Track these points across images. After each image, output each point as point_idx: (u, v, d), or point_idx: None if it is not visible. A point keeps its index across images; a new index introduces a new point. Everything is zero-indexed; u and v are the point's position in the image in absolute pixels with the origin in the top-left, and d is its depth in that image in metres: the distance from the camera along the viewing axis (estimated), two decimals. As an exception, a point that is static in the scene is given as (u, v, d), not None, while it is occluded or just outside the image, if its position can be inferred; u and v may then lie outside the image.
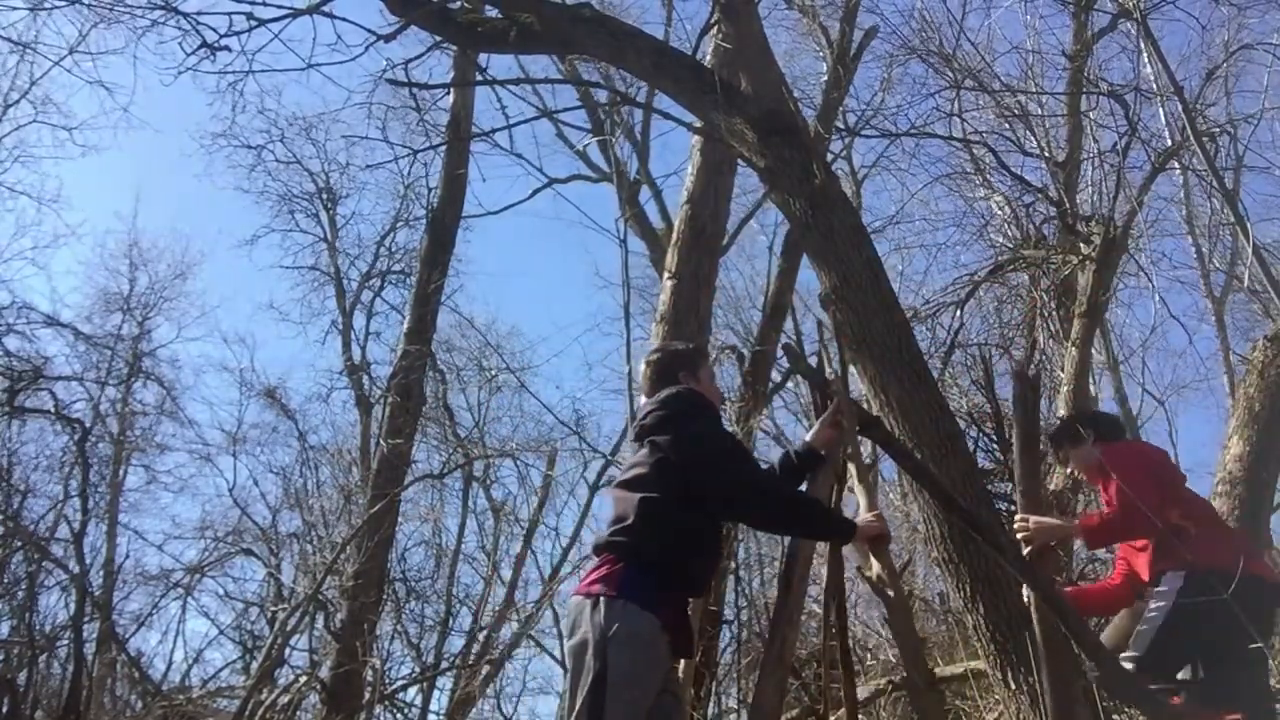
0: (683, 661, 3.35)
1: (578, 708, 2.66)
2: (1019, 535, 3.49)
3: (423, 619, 15.29)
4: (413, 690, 13.84)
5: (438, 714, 13.98)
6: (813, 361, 3.78)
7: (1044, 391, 9.25)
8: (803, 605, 3.40)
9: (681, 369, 3.28)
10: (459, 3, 6.40)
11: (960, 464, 4.33)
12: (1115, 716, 5.55)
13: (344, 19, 5.95)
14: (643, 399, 3.31)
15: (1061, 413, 7.52)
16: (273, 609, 13.38)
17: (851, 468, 3.36)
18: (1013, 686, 4.41)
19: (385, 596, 12.30)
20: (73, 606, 11.64)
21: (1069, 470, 3.96)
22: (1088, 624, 3.30)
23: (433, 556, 16.19)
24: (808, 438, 3.40)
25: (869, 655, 8.52)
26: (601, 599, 2.74)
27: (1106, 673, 3.26)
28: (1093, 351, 9.53)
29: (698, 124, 6.10)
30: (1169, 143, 8.79)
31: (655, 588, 2.78)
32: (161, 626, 19.73)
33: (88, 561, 12.19)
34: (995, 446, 6.67)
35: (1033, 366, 7.78)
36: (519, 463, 16.31)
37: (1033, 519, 3.57)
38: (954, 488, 3.88)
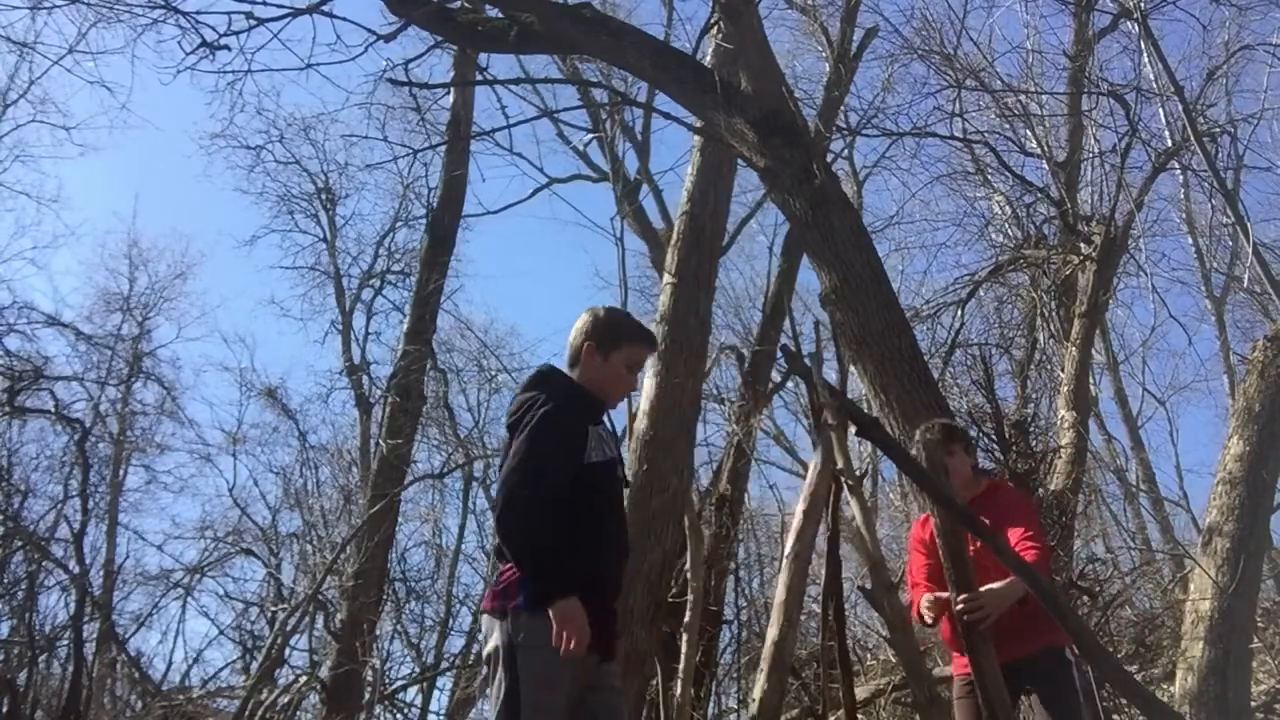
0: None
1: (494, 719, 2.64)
2: (972, 618, 3.21)
3: (423, 619, 15.31)
4: (413, 690, 13.87)
5: (438, 714, 14.00)
6: (808, 363, 3.71)
7: (1044, 392, 9.27)
8: (801, 605, 3.39)
9: (590, 340, 2.94)
10: (459, 3, 6.41)
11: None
12: (1115, 716, 5.55)
13: (344, 19, 5.95)
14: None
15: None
16: (273, 609, 13.37)
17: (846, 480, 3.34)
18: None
19: (385, 596, 12.31)
20: (73, 606, 11.65)
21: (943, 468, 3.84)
22: (1087, 624, 3.28)
23: (433, 556, 16.21)
24: None
25: (868, 655, 8.52)
26: (507, 611, 2.68)
27: (1106, 671, 3.26)
28: (1093, 351, 9.53)
29: (698, 124, 6.10)
30: (1169, 143, 8.79)
31: None
32: (161, 626, 19.82)
33: (88, 561, 12.20)
34: (995, 446, 6.66)
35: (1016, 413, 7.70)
36: (518, 463, 16.27)
37: (982, 591, 3.31)
38: (953, 488, 3.87)
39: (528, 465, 2.68)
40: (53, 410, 12.31)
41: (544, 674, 2.61)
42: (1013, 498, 3.93)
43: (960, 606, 3.21)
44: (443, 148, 12.26)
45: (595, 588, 2.73)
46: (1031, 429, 7.47)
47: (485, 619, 2.78)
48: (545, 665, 2.60)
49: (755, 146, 5.02)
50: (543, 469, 2.68)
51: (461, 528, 16.40)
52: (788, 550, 3.57)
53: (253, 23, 5.90)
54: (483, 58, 8.16)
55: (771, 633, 3.48)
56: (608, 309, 3.06)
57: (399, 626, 14.15)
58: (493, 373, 16.62)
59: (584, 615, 2.60)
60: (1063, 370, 8.29)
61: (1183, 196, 13.87)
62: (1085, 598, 6.10)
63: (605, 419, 3.03)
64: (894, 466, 6.83)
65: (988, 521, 3.64)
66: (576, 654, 2.57)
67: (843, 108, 10.02)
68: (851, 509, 3.35)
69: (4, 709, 10.00)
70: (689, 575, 5.82)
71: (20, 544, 11.48)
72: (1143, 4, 6.61)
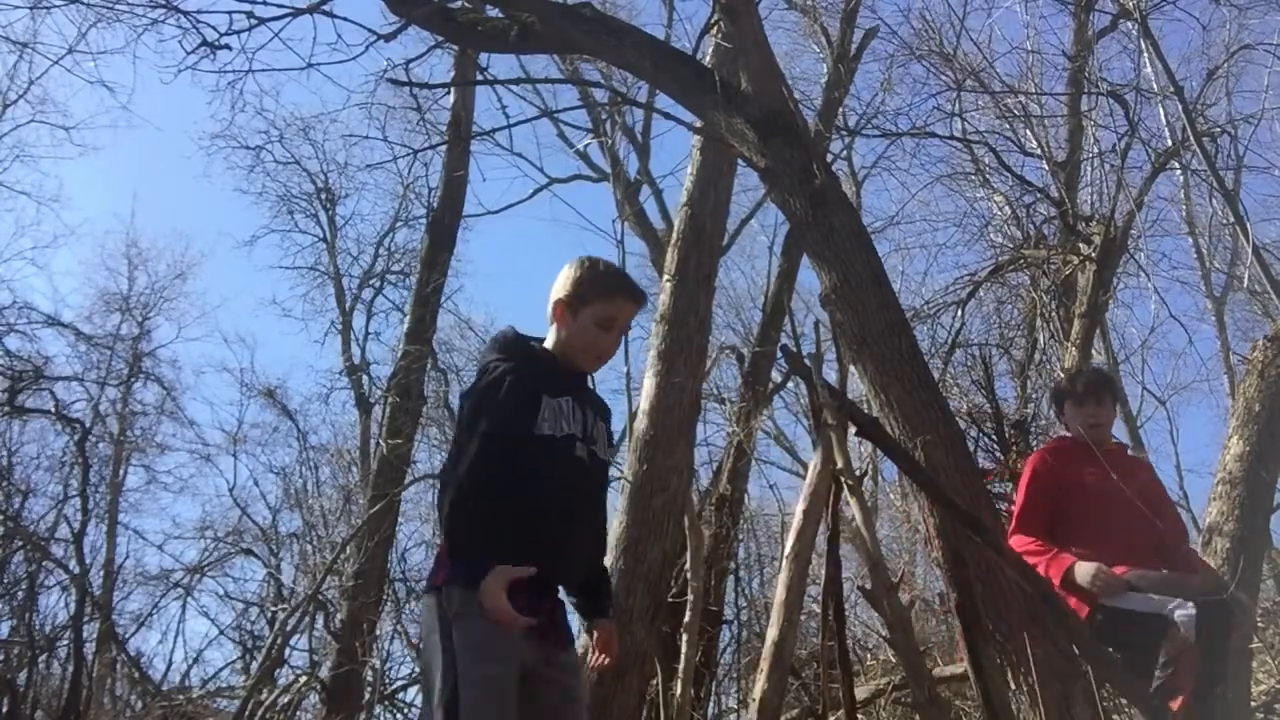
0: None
1: (434, 701, 2.32)
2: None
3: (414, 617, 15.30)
4: (413, 690, 13.86)
5: (438, 714, 13.97)
6: (808, 363, 3.70)
7: (1044, 391, 9.26)
8: (801, 605, 3.39)
9: (560, 298, 2.66)
10: (459, 2, 6.40)
11: (960, 464, 4.33)
12: (1115, 717, 5.55)
13: (344, 18, 5.96)
14: None
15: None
16: (273, 609, 13.38)
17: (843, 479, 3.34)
18: (1013, 687, 4.42)
19: (385, 597, 12.31)
20: (73, 606, 11.65)
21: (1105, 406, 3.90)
22: (1085, 626, 3.28)
23: (433, 557, 16.19)
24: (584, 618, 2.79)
25: (868, 655, 8.52)
26: (439, 590, 2.42)
27: (1105, 672, 3.26)
28: (1093, 351, 9.53)
29: (698, 124, 6.10)
30: (1169, 143, 8.79)
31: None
32: (161, 626, 19.82)
33: (88, 561, 12.21)
34: (995, 446, 6.66)
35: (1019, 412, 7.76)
36: (518, 463, 16.31)
37: None
38: (953, 488, 3.87)
39: (460, 442, 2.48)
40: (53, 410, 12.32)
41: (480, 643, 2.32)
42: (1150, 468, 4.10)
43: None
44: (443, 148, 12.26)
45: (537, 572, 2.42)
46: (1031, 429, 7.48)
47: (422, 604, 2.58)
48: (481, 634, 2.33)
49: (755, 147, 5.02)
50: (473, 446, 2.42)
51: (461, 528, 16.38)
52: (788, 550, 3.57)
53: (253, 22, 5.90)
54: (483, 58, 8.16)
55: (771, 633, 3.48)
56: (587, 260, 2.72)
57: (399, 626, 14.14)
58: (492, 373, 16.60)
59: (502, 592, 2.30)
60: (1063, 370, 8.28)
61: (1183, 196, 13.87)
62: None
63: (588, 390, 2.72)
64: (894, 466, 6.84)
65: (1136, 485, 3.69)
66: (507, 631, 2.32)
67: (842, 108, 10.03)
68: (851, 509, 3.35)
69: (4, 709, 10.00)
70: (689, 575, 5.82)
71: (20, 544, 11.48)
72: (1142, 4, 6.61)
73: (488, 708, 2.27)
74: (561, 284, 2.67)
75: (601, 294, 2.63)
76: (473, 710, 2.25)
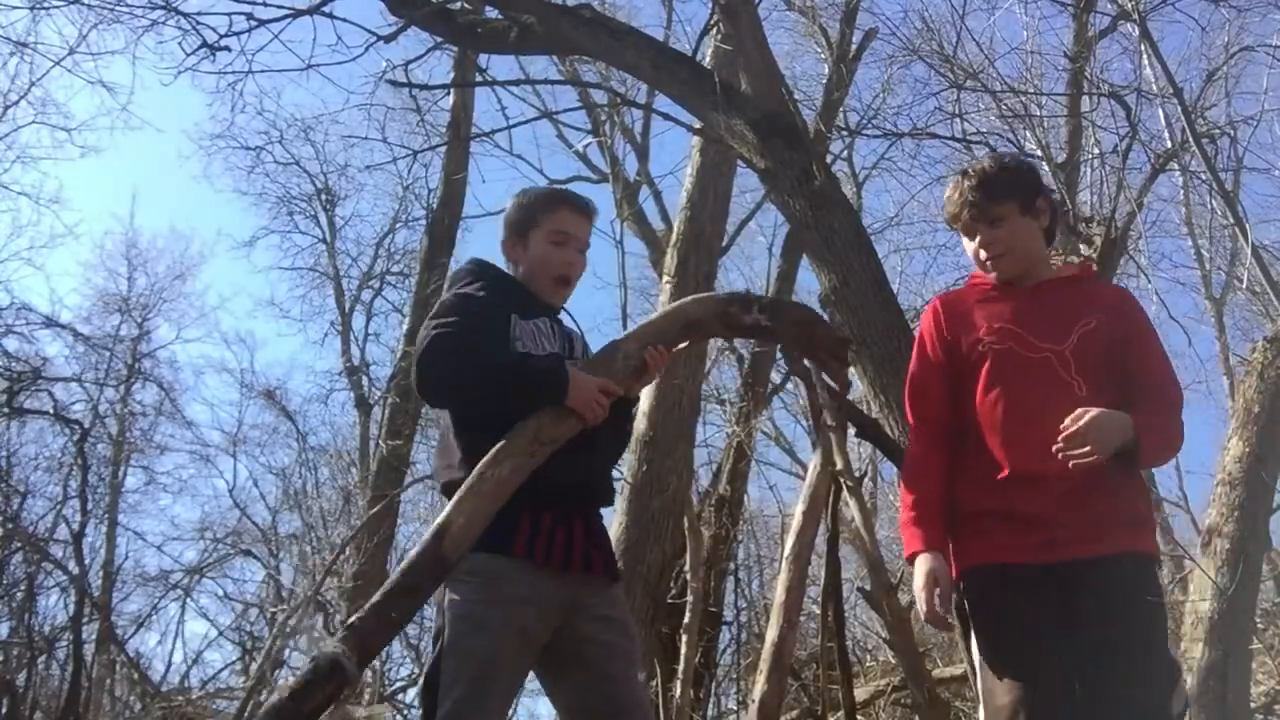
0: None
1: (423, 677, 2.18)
2: (1075, 457, 2.14)
3: (422, 619, 15.26)
4: (412, 691, 13.86)
5: (438, 715, 14.00)
6: (808, 364, 3.70)
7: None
8: (801, 606, 3.40)
9: (507, 236, 2.55)
10: (459, 3, 6.41)
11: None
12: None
13: (344, 19, 5.97)
14: None
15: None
16: (272, 610, 13.39)
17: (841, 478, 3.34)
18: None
19: (385, 597, 12.29)
20: (72, 607, 11.64)
21: (981, 232, 2.43)
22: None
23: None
24: None
25: (868, 656, 8.52)
26: None
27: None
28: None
29: (698, 125, 6.10)
30: (1169, 144, 8.79)
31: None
32: (161, 627, 19.76)
33: (87, 562, 12.20)
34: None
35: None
36: (518, 463, 16.33)
37: (1089, 414, 2.18)
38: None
39: (448, 319, 2.32)
40: (52, 411, 12.32)
41: (472, 613, 2.13)
42: (1131, 305, 2.54)
43: (1060, 441, 2.16)
44: (442, 149, 12.27)
45: (549, 494, 2.24)
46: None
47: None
48: (475, 600, 2.14)
49: (755, 148, 5.02)
50: (465, 327, 2.28)
51: (461, 529, 16.41)
52: (787, 551, 3.58)
53: (253, 24, 5.91)
54: (482, 59, 8.16)
55: (771, 634, 3.49)
56: (520, 191, 2.60)
57: (398, 627, 14.14)
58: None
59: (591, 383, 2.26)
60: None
61: (1182, 197, 13.87)
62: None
63: (561, 320, 2.55)
64: (894, 467, 6.84)
65: (1087, 320, 2.39)
66: (598, 418, 2.27)
67: (842, 109, 10.03)
68: (851, 510, 3.35)
69: (3, 710, 10.00)
70: (688, 576, 5.83)
71: (19, 545, 11.48)
72: (1141, 5, 6.61)
73: (468, 683, 2.10)
74: (503, 223, 2.56)
75: (545, 210, 2.50)
76: (453, 683, 2.10)
